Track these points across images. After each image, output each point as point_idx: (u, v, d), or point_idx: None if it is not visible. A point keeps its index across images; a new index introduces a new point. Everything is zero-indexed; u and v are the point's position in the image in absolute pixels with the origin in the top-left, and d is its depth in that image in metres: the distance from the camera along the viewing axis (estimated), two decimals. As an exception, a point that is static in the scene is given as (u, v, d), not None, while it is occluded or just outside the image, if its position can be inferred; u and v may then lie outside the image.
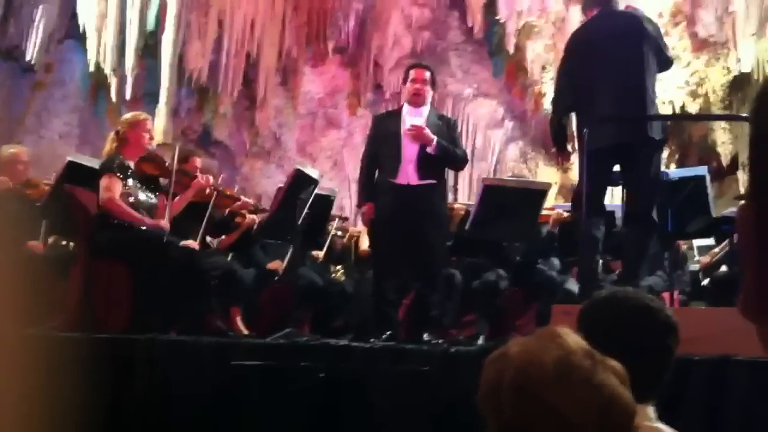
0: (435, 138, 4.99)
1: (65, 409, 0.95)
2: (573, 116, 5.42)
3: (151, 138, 5.13)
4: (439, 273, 5.22)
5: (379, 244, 5.20)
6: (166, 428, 3.98)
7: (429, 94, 5.22)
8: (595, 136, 4.44)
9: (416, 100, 5.15)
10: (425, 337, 4.83)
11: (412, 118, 5.12)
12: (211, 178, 5.39)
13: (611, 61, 4.60)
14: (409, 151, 5.02)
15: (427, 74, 5.23)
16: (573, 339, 1.22)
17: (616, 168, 4.71)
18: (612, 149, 4.52)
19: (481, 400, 1.21)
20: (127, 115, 5.25)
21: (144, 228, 4.85)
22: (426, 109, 5.19)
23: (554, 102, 5.06)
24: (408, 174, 5.01)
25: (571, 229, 5.37)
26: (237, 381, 3.92)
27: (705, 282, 6.56)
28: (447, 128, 5.23)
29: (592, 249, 4.57)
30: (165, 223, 4.86)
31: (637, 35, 4.63)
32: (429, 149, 4.99)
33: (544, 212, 5.87)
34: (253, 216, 6.03)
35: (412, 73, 5.22)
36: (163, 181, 5.14)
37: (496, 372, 1.20)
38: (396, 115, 5.26)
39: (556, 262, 6.40)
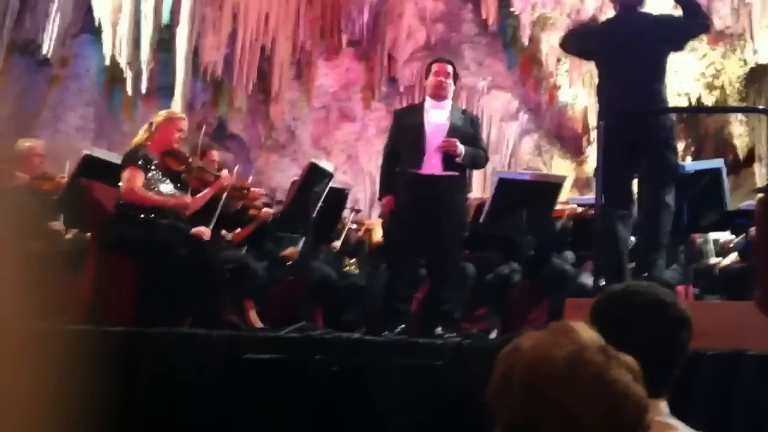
0: (463, 149, 5.00)
1: (76, 402, 0.96)
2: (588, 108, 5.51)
3: (181, 137, 5.18)
4: (453, 267, 5.21)
5: (394, 234, 5.20)
6: (177, 421, 4.00)
7: (451, 88, 5.24)
8: (609, 130, 4.46)
9: (439, 94, 5.16)
10: (437, 331, 4.83)
11: (435, 111, 5.13)
12: (227, 172, 5.43)
13: (623, 66, 4.65)
14: (434, 142, 5.03)
15: (450, 68, 5.24)
16: (587, 334, 1.20)
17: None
18: (624, 144, 4.54)
19: (492, 396, 1.20)
20: (164, 111, 5.40)
21: (164, 222, 4.89)
22: (448, 103, 5.21)
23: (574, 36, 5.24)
24: (433, 165, 5.01)
25: (586, 224, 5.38)
26: (250, 374, 3.94)
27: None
28: (471, 124, 5.24)
29: (614, 244, 4.55)
30: (189, 198, 4.91)
31: (650, 40, 4.68)
32: (457, 159, 5.01)
33: (558, 206, 5.85)
34: (269, 209, 6.04)
35: (435, 67, 5.23)
36: (185, 177, 5.18)
37: (507, 367, 1.19)
38: (418, 108, 5.28)
39: (569, 255, 6.38)
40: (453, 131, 5.06)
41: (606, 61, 4.78)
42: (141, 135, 5.10)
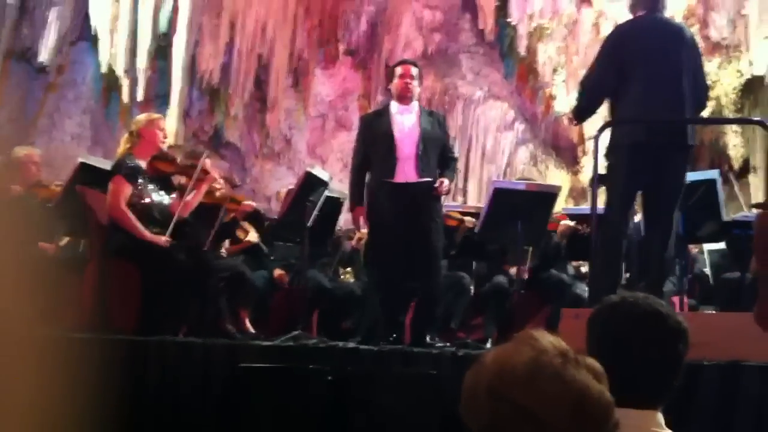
0: (447, 183, 5.00)
1: (76, 409, 0.96)
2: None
3: (165, 136, 5.15)
4: (440, 272, 5.16)
5: (379, 250, 5.12)
6: (174, 429, 3.99)
7: (417, 90, 5.13)
8: (628, 131, 4.40)
9: (405, 96, 5.05)
10: (428, 339, 4.79)
11: (403, 116, 5.04)
12: (216, 174, 5.41)
13: (656, 65, 4.45)
14: (406, 148, 4.95)
15: (414, 70, 5.15)
16: (548, 340, 1.23)
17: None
18: (645, 147, 4.37)
19: (462, 410, 1.22)
20: (141, 115, 5.30)
21: (160, 230, 4.89)
22: (415, 106, 5.11)
23: (588, 89, 4.73)
24: (406, 172, 4.93)
25: (580, 238, 5.39)
26: (245, 383, 3.93)
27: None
28: (439, 126, 5.17)
29: (616, 255, 4.45)
30: (165, 240, 4.83)
31: (679, 44, 4.52)
32: (444, 194, 5.07)
33: (553, 219, 5.86)
34: (255, 237, 6.08)
35: (399, 70, 5.15)
36: (176, 179, 5.15)
37: (473, 380, 1.21)
38: (385, 113, 5.14)
39: (569, 268, 6.41)
40: (423, 136, 4.97)
41: (635, 64, 4.47)
42: (124, 145, 5.05)
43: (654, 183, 4.47)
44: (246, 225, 6.13)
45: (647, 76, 4.43)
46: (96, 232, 5.09)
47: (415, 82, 5.10)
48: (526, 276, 6.07)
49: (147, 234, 4.81)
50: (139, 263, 4.81)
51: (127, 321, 4.70)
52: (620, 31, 4.73)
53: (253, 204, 6.02)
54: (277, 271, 6.28)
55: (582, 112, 4.87)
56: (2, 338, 0.86)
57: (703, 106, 4.80)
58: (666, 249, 4.46)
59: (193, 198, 5.06)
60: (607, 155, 4.53)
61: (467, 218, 6.07)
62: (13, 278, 0.90)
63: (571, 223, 5.99)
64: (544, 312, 6.00)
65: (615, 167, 4.46)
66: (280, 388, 3.86)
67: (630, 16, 4.76)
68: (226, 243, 6.19)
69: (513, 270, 6.02)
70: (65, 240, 5.98)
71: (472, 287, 6.29)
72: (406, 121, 5.02)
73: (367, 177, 5.12)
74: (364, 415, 3.73)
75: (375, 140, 5.05)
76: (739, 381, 3.18)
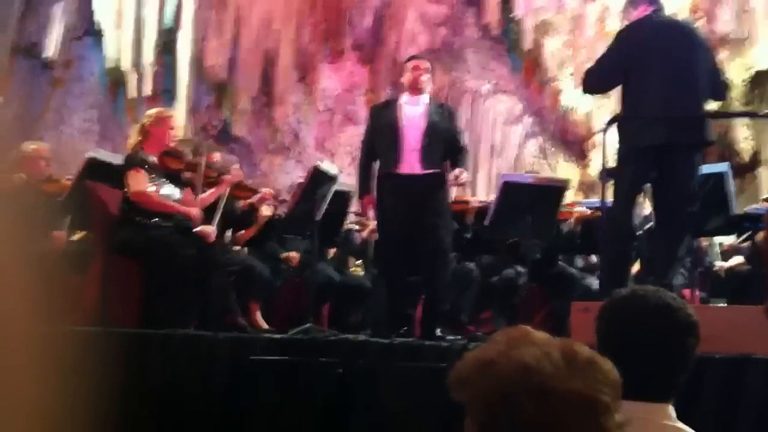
0: (465, 173, 5.01)
1: (81, 404, 0.96)
2: (591, 112, 5.39)
3: (175, 135, 5.18)
4: (448, 265, 5.16)
5: (386, 244, 5.13)
6: (183, 423, 4.01)
7: (428, 82, 5.15)
8: (641, 134, 4.40)
9: (416, 87, 5.07)
10: (438, 332, 4.79)
11: (411, 107, 5.05)
12: (237, 168, 5.46)
13: (668, 64, 4.46)
14: (411, 140, 4.94)
15: (425, 64, 5.19)
16: (539, 332, 1.23)
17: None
18: (658, 148, 4.39)
19: (492, 416, 1.19)
20: (152, 111, 5.30)
21: (168, 224, 4.90)
22: (425, 98, 5.11)
23: (594, 81, 4.80)
24: (411, 163, 4.92)
25: (594, 227, 5.38)
26: (255, 376, 3.94)
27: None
28: (449, 117, 5.16)
29: (626, 247, 4.51)
30: (196, 211, 4.91)
31: (692, 44, 4.55)
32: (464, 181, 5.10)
33: (566, 208, 5.85)
34: (269, 210, 6.04)
35: (410, 64, 5.20)
36: (185, 175, 5.17)
37: (495, 384, 1.18)
38: (393, 104, 5.17)
39: (578, 261, 6.40)
40: (431, 128, 4.96)
41: (644, 61, 4.49)
42: (134, 138, 5.07)
43: (662, 181, 4.51)
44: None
45: (660, 78, 4.44)
46: (103, 227, 5.11)
47: (426, 75, 5.12)
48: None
49: (179, 207, 4.92)
50: (146, 258, 4.83)
51: (131, 317, 4.72)
52: (631, 31, 4.68)
53: (272, 191, 6.04)
54: (289, 254, 6.30)
55: (588, 91, 5.12)
56: (4, 334, 0.87)
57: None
58: (678, 246, 4.47)
59: (209, 196, 5.12)
60: (617, 152, 4.55)
61: (472, 199, 6.09)
62: (15, 273, 0.90)
63: (588, 211, 5.98)
64: (551, 305, 6.00)
65: (621, 165, 4.48)
66: (290, 381, 3.87)
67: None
68: (228, 233, 6.16)
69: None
70: (79, 235, 5.99)
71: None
72: (413, 112, 5.02)
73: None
74: (374, 408, 3.75)
75: (381, 130, 5.07)
76: (747, 374, 3.18)
